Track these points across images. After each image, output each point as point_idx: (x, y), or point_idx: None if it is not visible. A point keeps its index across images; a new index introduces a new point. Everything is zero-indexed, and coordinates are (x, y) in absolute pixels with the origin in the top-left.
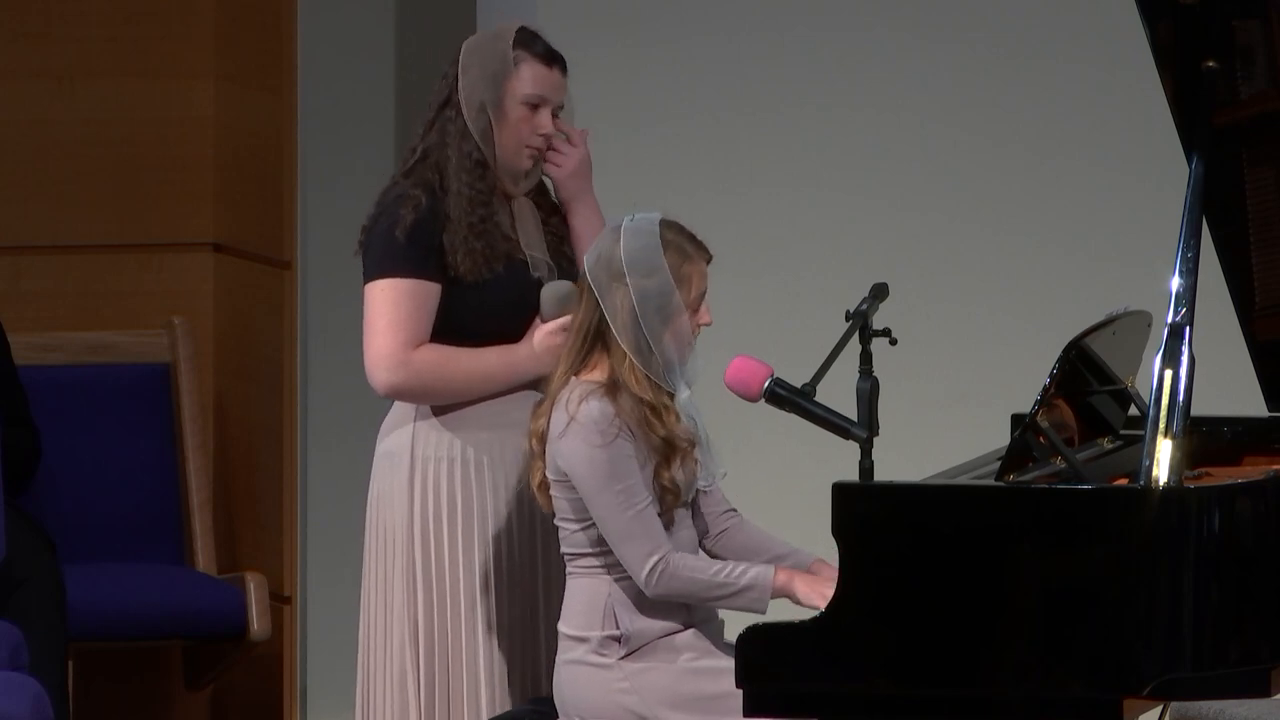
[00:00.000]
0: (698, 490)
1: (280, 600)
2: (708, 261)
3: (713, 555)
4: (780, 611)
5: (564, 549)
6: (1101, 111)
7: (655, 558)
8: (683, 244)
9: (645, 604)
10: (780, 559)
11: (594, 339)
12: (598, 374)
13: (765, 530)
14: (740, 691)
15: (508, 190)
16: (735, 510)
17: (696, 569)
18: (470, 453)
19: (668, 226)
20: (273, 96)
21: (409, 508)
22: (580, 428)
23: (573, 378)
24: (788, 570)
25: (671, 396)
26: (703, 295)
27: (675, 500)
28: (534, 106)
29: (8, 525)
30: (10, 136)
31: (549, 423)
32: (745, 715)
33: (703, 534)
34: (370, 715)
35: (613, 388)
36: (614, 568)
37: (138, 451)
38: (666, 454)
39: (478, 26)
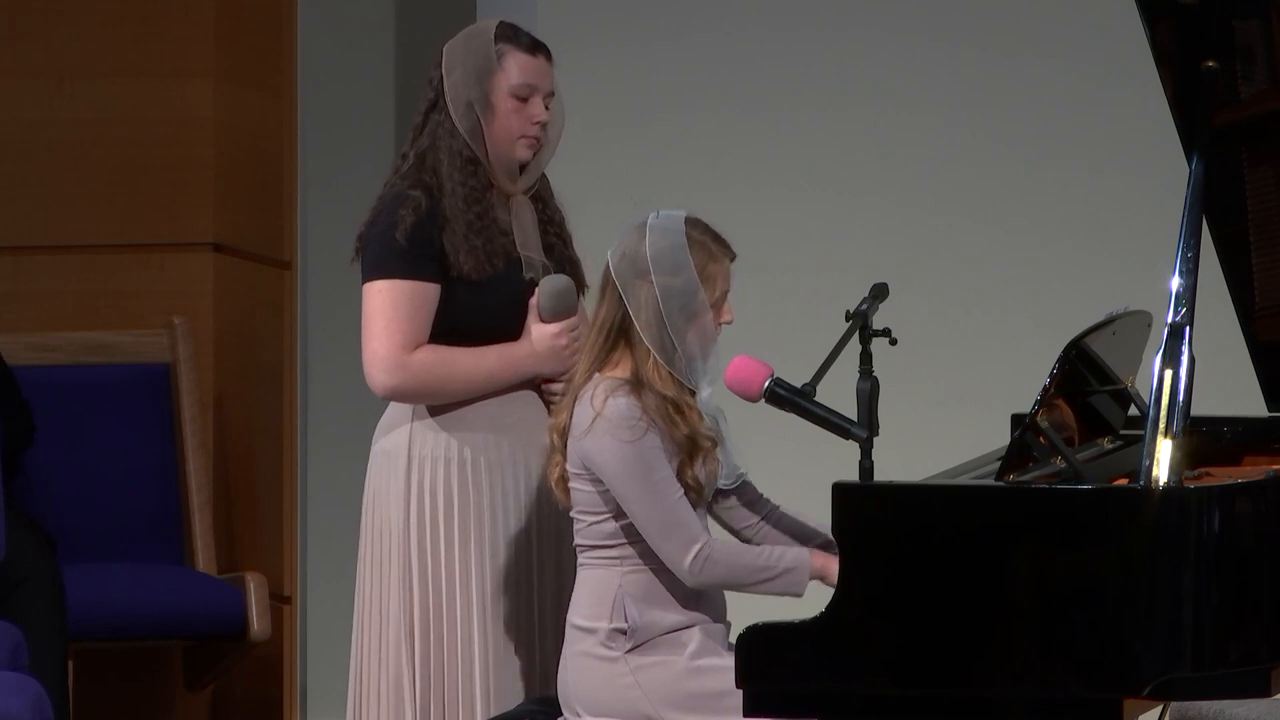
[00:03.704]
0: (719, 489)
1: (280, 600)
2: (731, 260)
3: (755, 544)
4: (783, 611)
5: (578, 541)
6: (1102, 111)
7: (697, 546)
8: (707, 242)
9: (656, 597)
10: (827, 547)
11: (617, 335)
12: (620, 370)
13: (805, 515)
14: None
15: (504, 188)
16: (767, 500)
17: (737, 554)
18: (468, 453)
19: (693, 225)
20: (273, 96)
21: (405, 507)
22: (609, 424)
23: (596, 374)
24: (824, 555)
25: (693, 394)
26: (725, 294)
27: (698, 498)
28: (524, 98)
29: (6, 525)
30: (10, 136)
31: (571, 418)
32: (745, 715)
33: (740, 528)
34: (363, 716)
35: (637, 384)
36: (626, 560)
37: (138, 451)
38: (690, 451)
39: None
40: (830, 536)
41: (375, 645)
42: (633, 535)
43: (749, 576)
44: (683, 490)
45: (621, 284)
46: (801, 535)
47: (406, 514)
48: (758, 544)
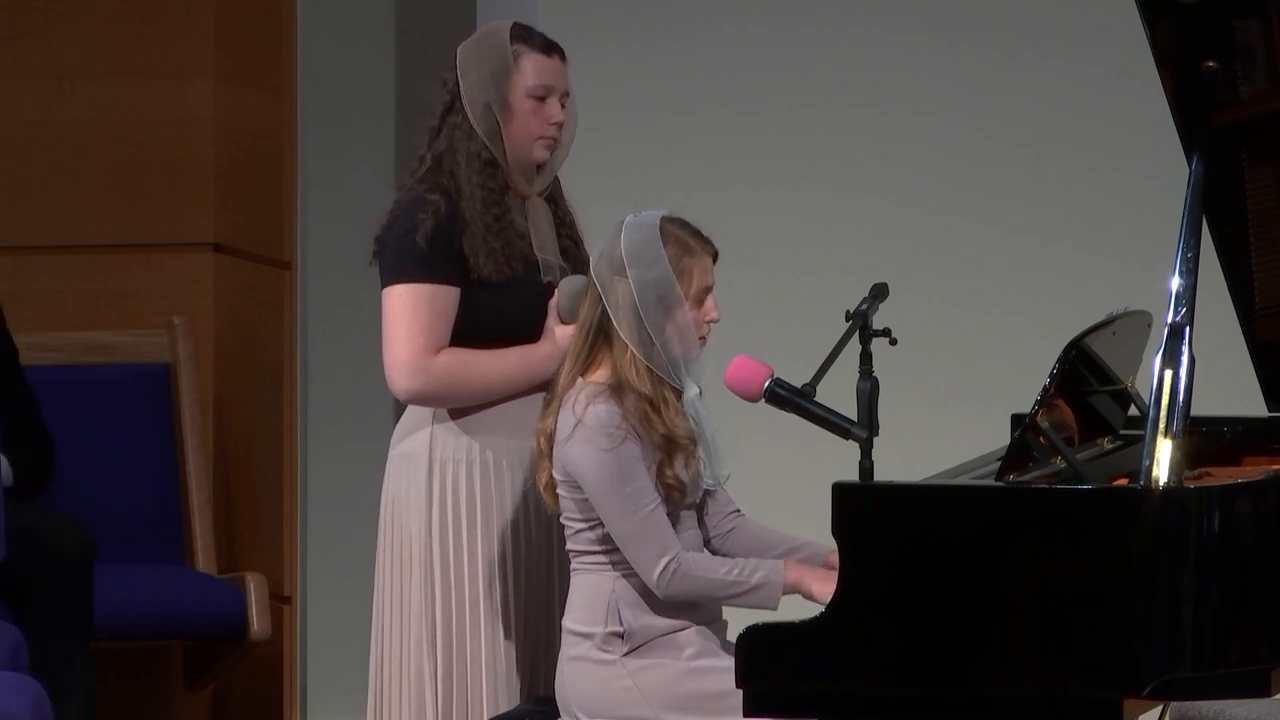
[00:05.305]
0: (704, 490)
1: (280, 600)
2: (713, 257)
3: (720, 555)
4: (786, 611)
5: (569, 546)
6: (1102, 111)
7: (666, 558)
8: (684, 237)
9: (649, 601)
10: (793, 552)
11: (597, 336)
12: (602, 374)
13: (771, 527)
14: (741, 691)
15: (521, 190)
16: (739, 510)
17: (708, 568)
18: (489, 455)
19: (670, 221)
20: (273, 96)
21: (426, 510)
22: (587, 431)
23: (579, 379)
24: (798, 567)
25: (675, 392)
26: (707, 290)
27: (681, 498)
28: (541, 98)
29: (45, 522)
30: (10, 136)
31: (556, 423)
32: (745, 715)
33: (709, 536)
34: (384, 716)
35: (618, 388)
36: (619, 564)
37: (138, 451)
38: (668, 450)
39: (478, 26)
40: (796, 544)
41: (396, 647)
42: None
43: (719, 590)
44: (660, 499)
45: (600, 283)
46: (768, 546)
47: (428, 517)
48: (725, 553)
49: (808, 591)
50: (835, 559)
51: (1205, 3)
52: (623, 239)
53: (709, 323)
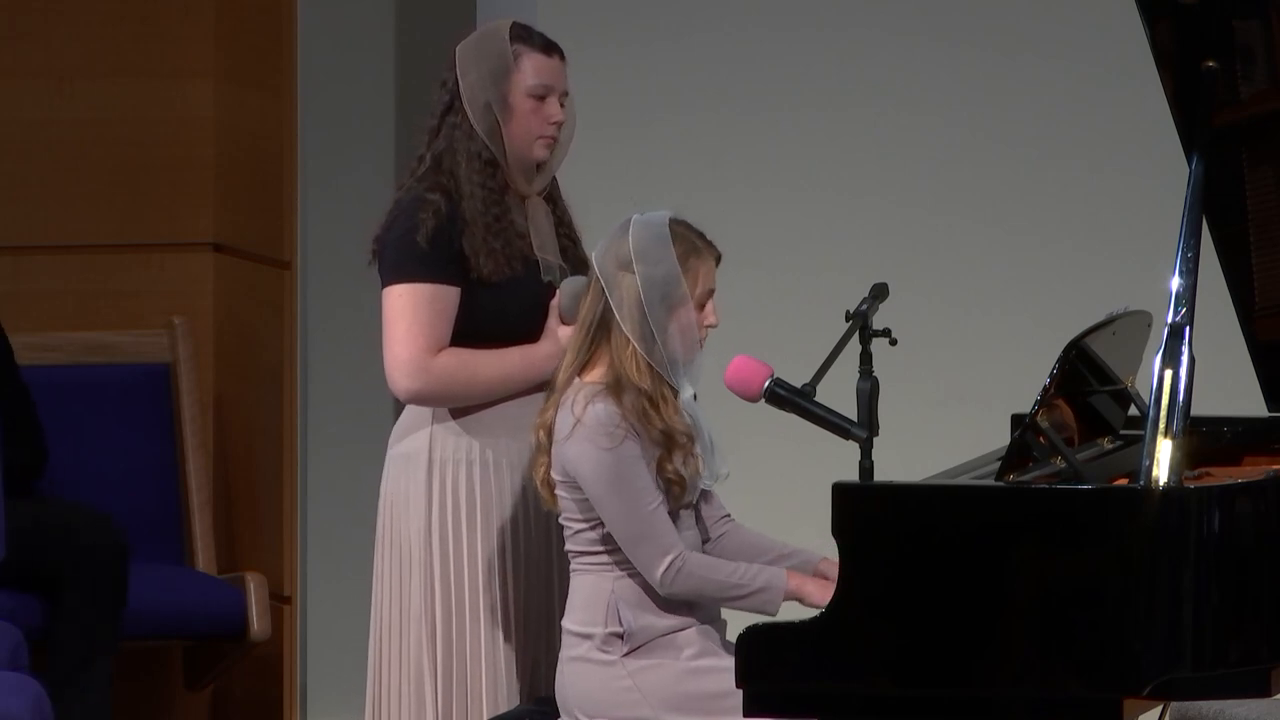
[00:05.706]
0: (702, 491)
1: (280, 600)
2: (716, 261)
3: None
4: (786, 612)
5: (569, 547)
6: (1102, 111)
7: (670, 557)
8: (691, 238)
9: (649, 601)
10: (784, 559)
11: (597, 332)
12: (599, 373)
13: (761, 533)
14: (741, 691)
15: (520, 189)
16: (730, 515)
17: (711, 569)
18: (489, 455)
19: (677, 222)
20: (273, 96)
21: (426, 510)
22: (587, 430)
23: (576, 379)
24: (798, 575)
25: (673, 390)
26: (710, 293)
27: (682, 493)
28: (541, 97)
29: (81, 519)
30: (10, 136)
31: (555, 417)
32: (745, 715)
33: (701, 540)
34: (384, 716)
35: (615, 387)
36: (619, 565)
37: (138, 451)
38: (668, 446)
39: (478, 26)
40: (786, 551)
41: (396, 646)
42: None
43: (721, 592)
44: (661, 498)
45: (604, 278)
46: (759, 552)
47: (428, 516)
48: (715, 556)
49: (806, 598)
50: (825, 567)
51: (1205, 3)
52: (630, 236)
53: (707, 328)
